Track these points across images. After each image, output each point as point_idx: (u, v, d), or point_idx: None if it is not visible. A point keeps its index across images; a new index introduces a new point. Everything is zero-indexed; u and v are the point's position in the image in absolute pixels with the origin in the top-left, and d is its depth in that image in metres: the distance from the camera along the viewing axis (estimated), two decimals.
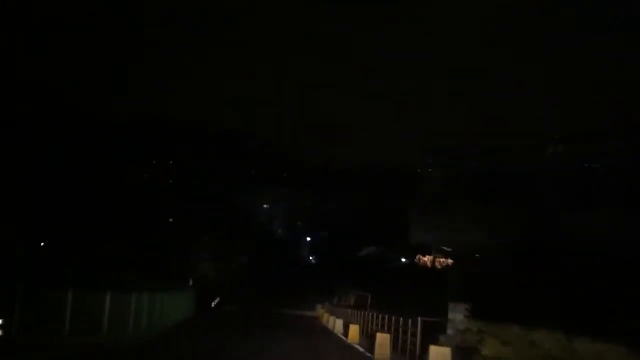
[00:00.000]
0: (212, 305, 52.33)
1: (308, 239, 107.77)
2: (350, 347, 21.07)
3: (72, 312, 15.26)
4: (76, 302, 15.28)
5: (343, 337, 26.18)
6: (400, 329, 16.59)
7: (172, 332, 22.35)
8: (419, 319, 14.32)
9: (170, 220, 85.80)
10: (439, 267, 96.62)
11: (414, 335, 15.21)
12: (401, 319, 16.62)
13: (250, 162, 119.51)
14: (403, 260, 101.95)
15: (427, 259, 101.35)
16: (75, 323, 15.37)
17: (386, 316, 19.62)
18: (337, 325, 31.17)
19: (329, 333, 30.01)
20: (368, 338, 23.78)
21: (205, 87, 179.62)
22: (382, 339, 16.57)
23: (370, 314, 27.23)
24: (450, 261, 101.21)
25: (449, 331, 14.60)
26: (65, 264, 15.98)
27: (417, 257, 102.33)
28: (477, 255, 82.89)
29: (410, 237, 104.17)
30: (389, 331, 18.58)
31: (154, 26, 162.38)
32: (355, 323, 24.61)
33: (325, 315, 40.70)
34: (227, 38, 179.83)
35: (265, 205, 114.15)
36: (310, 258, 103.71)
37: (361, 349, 20.28)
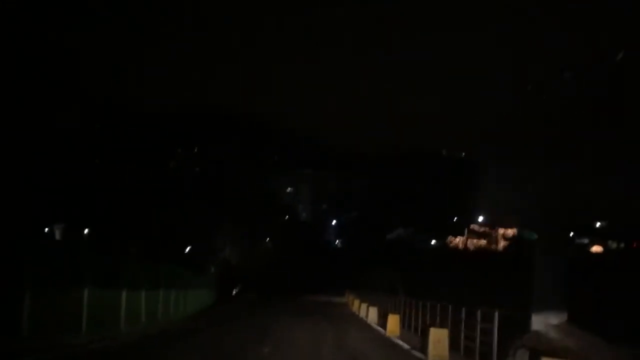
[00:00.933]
0: (233, 293, 49.01)
1: (334, 222, 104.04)
2: (392, 344, 17.17)
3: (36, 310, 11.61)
4: (39, 299, 11.62)
5: (380, 329, 22.32)
6: (463, 322, 12.59)
7: (175, 329, 18.73)
8: (496, 312, 10.28)
9: (191, 205, 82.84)
10: (472, 248, 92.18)
11: (483, 332, 11.22)
12: (464, 309, 12.64)
13: (273, 146, 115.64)
14: (433, 242, 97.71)
15: (458, 240, 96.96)
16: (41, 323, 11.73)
17: (437, 305, 15.63)
18: (371, 314, 27.33)
19: (362, 324, 26.16)
20: (412, 331, 19.89)
21: (228, 73, 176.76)
22: (439, 336, 12.63)
23: (406, 300, 23.35)
24: (483, 242, 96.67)
25: (536, 327, 10.52)
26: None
27: (448, 239, 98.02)
28: None
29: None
30: (441, 324, 14.64)
31: (175, 15, 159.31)
32: (395, 312, 20.68)
33: (356, 303, 36.91)
34: (247, 25, 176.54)
35: (289, 189, 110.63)
36: (337, 242, 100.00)
37: (406, 346, 16.36)
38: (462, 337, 12.46)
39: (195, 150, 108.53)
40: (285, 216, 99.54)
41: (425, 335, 13.45)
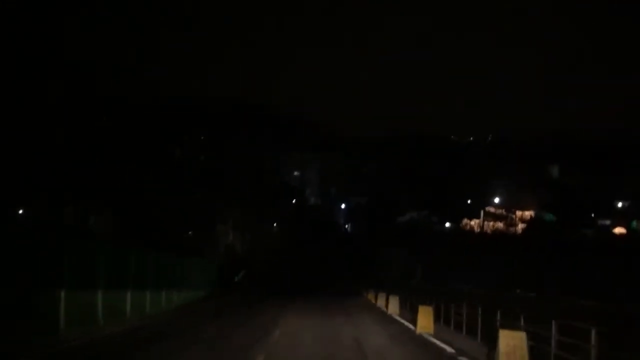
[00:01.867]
0: (236, 279, 45.00)
1: (343, 206, 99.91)
2: (429, 346, 12.88)
3: None
4: None
5: (406, 323, 18.16)
6: (554, 324, 8.28)
7: (145, 329, 14.57)
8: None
9: (197, 192, 79.10)
10: (489, 232, 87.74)
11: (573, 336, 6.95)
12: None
13: (281, 129, 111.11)
14: (447, 225, 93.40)
15: (474, 223, 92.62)
16: None
17: (496, 294, 11.38)
18: (392, 304, 23.11)
19: (383, 316, 21.93)
20: (452, 328, 15.67)
21: (234, 61, 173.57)
22: (513, 342, 8.38)
23: (437, 288, 19.22)
24: (500, 224, 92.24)
25: None
26: None
27: (463, 222, 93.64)
28: None
29: None
30: (504, 325, 10.43)
31: (175, 15, 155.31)
32: (426, 304, 16.41)
33: (372, 290, 32.78)
34: (249, 20, 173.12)
35: (296, 173, 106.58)
36: (346, 226, 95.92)
37: (448, 349, 12.08)
38: (553, 345, 8.15)
39: (202, 138, 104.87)
40: (293, 200, 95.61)
41: (489, 339, 9.22)
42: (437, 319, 16.40)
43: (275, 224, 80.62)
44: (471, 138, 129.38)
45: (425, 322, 15.64)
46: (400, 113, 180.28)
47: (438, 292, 19.10)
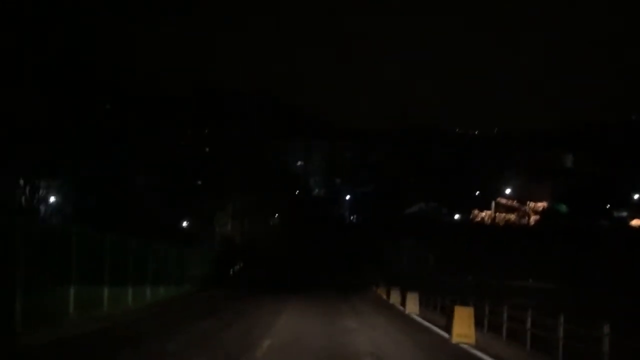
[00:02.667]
0: (232, 272, 41.30)
1: (348, 197, 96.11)
2: None
3: None
4: None
5: (432, 327, 14.41)
6: None
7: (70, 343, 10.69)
8: None
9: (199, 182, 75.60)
10: (500, 224, 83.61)
11: None
12: None
13: (287, 121, 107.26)
14: (456, 217, 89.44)
15: (485, 214, 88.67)
16: None
17: None
18: (410, 303, 19.37)
19: (402, 318, 18.09)
20: (505, 337, 11.87)
21: (238, 58, 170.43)
22: None
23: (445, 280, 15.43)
24: (512, 216, 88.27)
25: None
26: None
27: (473, 213, 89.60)
28: None
29: None
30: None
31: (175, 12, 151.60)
32: (463, 304, 12.63)
33: (382, 285, 29.05)
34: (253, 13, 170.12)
35: (299, 163, 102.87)
36: (352, 217, 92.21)
37: None
38: None
39: (206, 131, 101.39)
40: (296, 191, 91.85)
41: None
42: (479, 324, 12.66)
43: (276, 215, 77.00)
44: (476, 132, 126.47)
45: (463, 328, 11.90)
46: (400, 111, 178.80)
47: (456, 286, 15.36)
